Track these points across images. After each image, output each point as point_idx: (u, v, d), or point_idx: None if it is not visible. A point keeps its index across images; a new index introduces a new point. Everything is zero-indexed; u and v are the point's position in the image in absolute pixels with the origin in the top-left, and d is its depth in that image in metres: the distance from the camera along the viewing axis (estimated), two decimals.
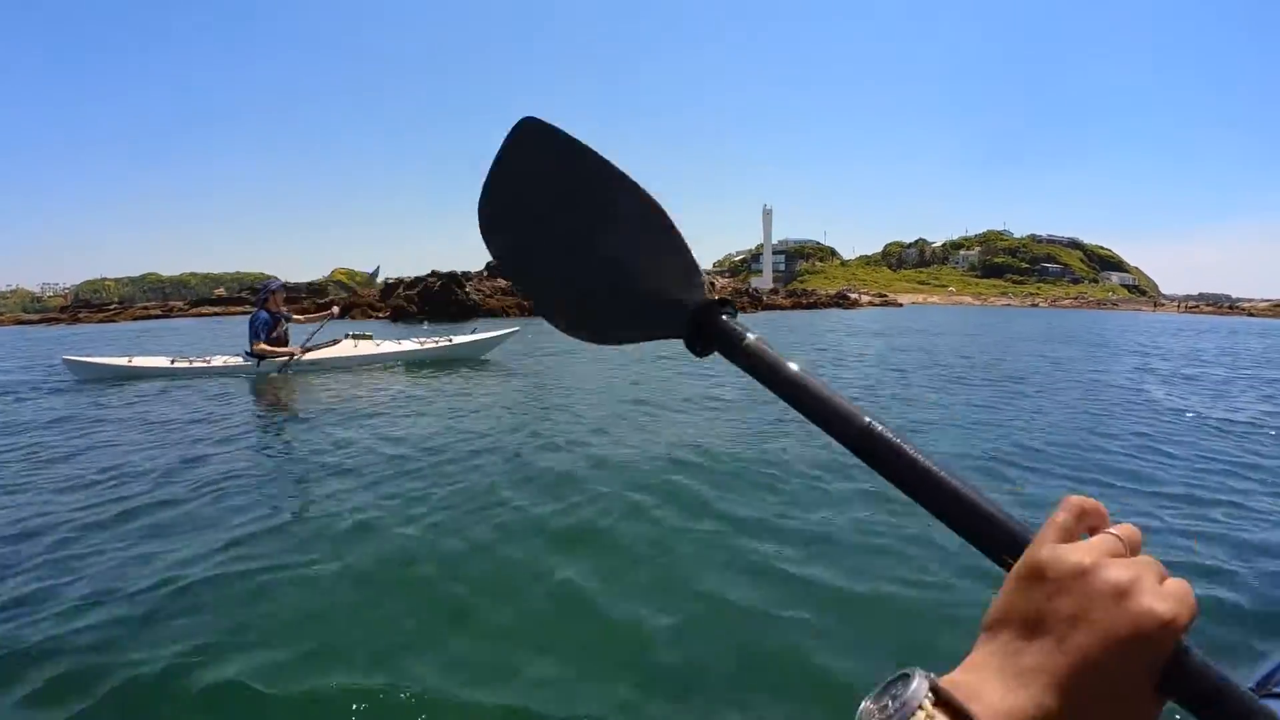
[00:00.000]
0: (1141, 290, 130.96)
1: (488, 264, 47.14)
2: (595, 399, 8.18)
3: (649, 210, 0.69)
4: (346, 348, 10.63)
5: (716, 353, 0.62)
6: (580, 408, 7.53)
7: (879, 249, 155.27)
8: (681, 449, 5.53)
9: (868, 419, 0.52)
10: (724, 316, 0.64)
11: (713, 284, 50.28)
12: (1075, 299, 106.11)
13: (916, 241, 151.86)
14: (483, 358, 11.80)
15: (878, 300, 63.84)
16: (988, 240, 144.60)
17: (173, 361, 10.07)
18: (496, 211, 0.73)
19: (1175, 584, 0.37)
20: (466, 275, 45.16)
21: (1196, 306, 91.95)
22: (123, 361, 9.96)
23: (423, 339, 11.91)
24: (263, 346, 9.85)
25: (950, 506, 0.47)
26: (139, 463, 5.22)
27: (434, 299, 35.22)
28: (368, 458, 5.29)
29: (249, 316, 10.36)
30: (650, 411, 7.35)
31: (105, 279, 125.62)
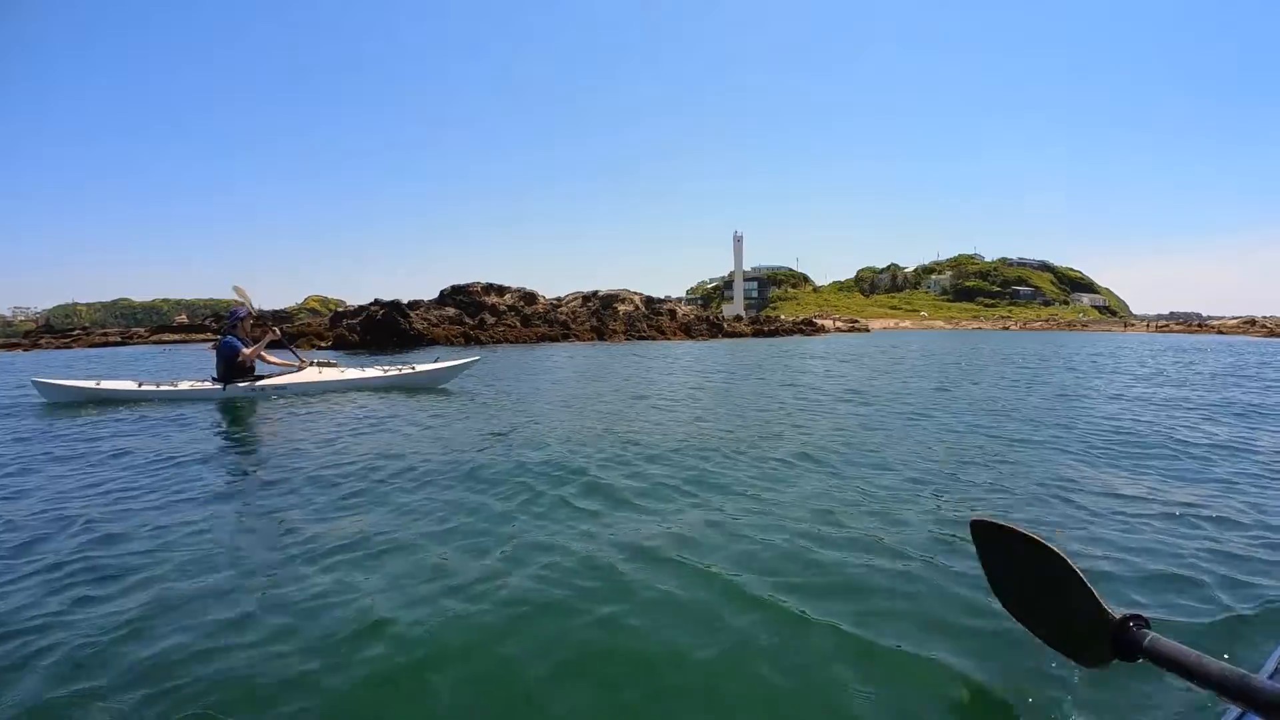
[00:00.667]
0: (1112, 311, 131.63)
1: (442, 291, 46.46)
2: (560, 417, 8.79)
3: (1057, 562, 1.20)
4: (312, 374, 10.99)
5: None
6: (544, 424, 8.13)
7: (852, 275, 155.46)
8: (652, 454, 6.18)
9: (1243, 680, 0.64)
10: (1131, 626, 1.07)
11: (673, 312, 49.16)
12: (1046, 321, 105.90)
13: (889, 267, 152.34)
14: (445, 385, 12.16)
15: (844, 326, 62.49)
16: (959, 264, 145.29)
17: (140, 385, 10.34)
18: (998, 578, 1.45)
19: None
20: (416, 304, 44.13)
21: (1166, 325, 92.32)
22: (91, 384, 10.16)
23: (385, 367, 12.22)
24: (264, 355, 10.72)
25: None
26: (103, 482, 5.32)
27: (377, 328, 34.95)
28: (330, 475, 5.43)
29: (220, 343, 10.55)
30: (611, 419, 8.42)
31: (77, 304, 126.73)
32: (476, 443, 6.87)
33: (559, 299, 55.01)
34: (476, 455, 6.22)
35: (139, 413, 9.02)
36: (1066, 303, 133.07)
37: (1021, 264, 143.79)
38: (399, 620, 2.91)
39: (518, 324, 39.70)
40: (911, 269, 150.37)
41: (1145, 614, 1.36)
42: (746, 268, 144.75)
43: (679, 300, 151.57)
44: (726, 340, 38.85)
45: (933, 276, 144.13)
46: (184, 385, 10.29)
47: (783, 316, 73.77)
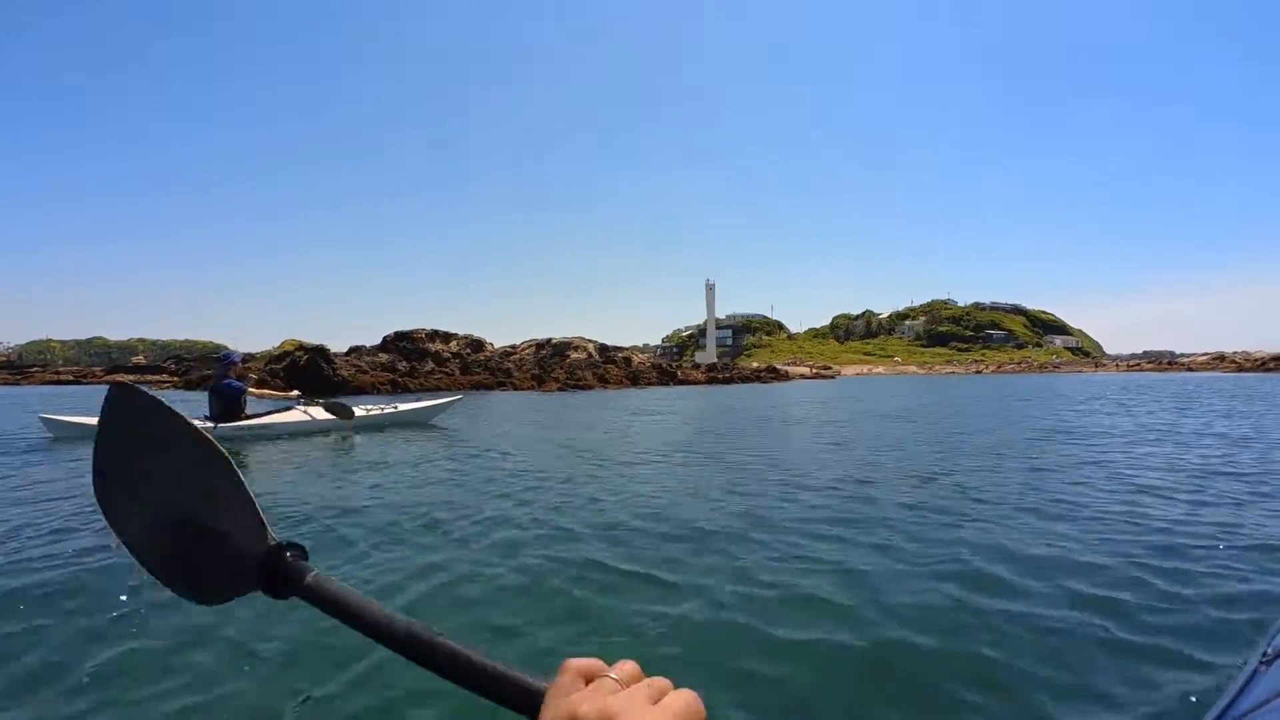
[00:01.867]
0: (1085, 351, 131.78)
1: (385, 337, 44.68)
2: (534, 450, 9.33)
3: (216, 464, 0.79)
4: (297, 414, 11.31)
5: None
6: (519, 457, 8.63)
7: (828, 321, 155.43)
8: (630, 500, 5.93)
9: (406, 625, 0.63)
10: (289, 557, 0.75)
11: (629, 359, 47.46)
12: (1019, 364, 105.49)
13: (863, 313, 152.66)
14: (430, 422, 12.76)
15: (810, 374, 61.04)
16: (932, 309, 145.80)
17: None
18: (109, 486, 0.84)
19: (674, 697, 0.45)
20: (357, 348, 42.19)
21: (1138, 364, 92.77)
22: (93, 421, 8.80)
23: (369, 406, 12.66)
24: (264, 391, 11.49)
25: (462, 671, 0.57)
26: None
27: (301, 374, 33.19)
28: (318, 510, 5.46)
29: (216, 385, 10.72)
30: (591, 460, 8.44)
31: (51, 340, 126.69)
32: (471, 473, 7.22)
33: (513, 346, 53.41)
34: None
35: None
36: (1039, 345, 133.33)
37: (995, 308, 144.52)
38: None
39: (457, 371, 37.75)
40: (885, 315, 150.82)
41: None
42: (721, 315, 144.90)
43: (655, 348, 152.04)
44: (678, 388, 37.02)
45: (906, 322, 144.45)
46: None
47: (754, 364, 72.52)
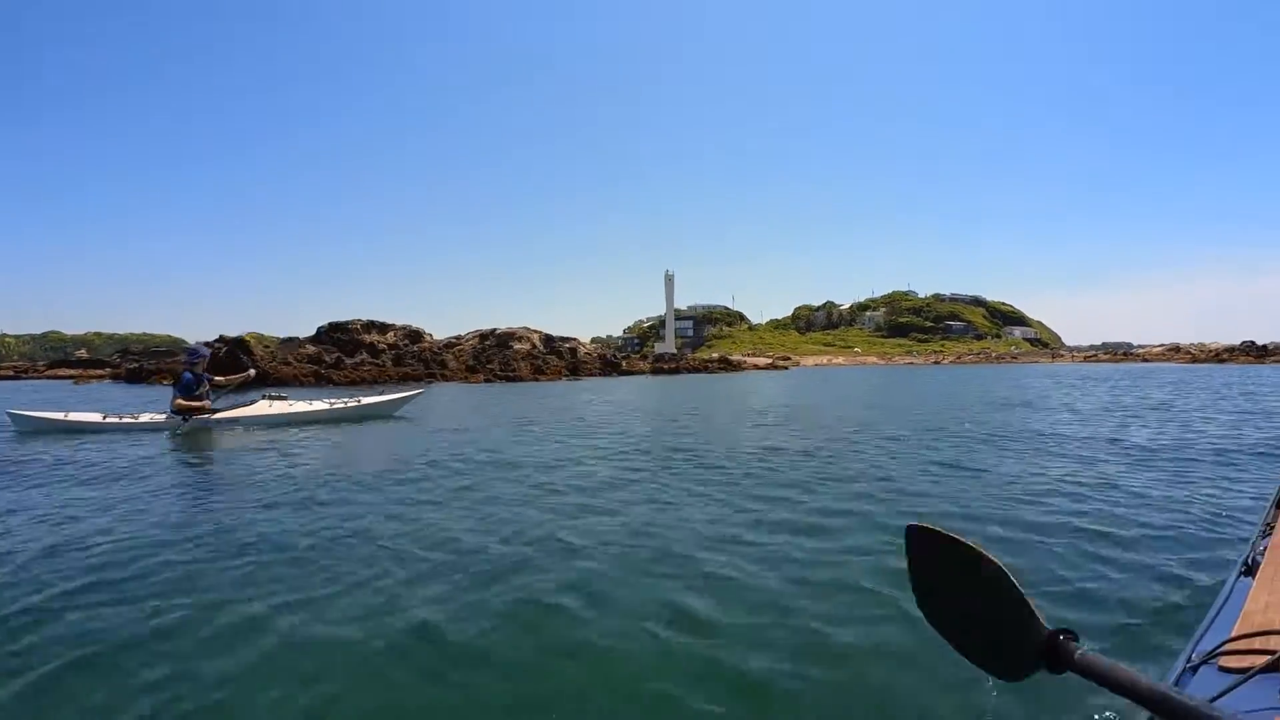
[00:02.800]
0: (1044, 343, 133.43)
1: (320, 328, 42.89)
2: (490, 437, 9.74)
3: (994, 573, 1.06)
4: (262, 407, 11.40)
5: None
6: (481, 444, 8.87)
7: (790, 312, 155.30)
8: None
9: (1164, 692, 0.85)
10: (1062, 639, 1.02)
11: (575, 350, 46.17)
12: (977, 355, 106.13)
13: (825, 304, 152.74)
14: (394, 415, 12.82)
15: (764, 365, 60.24)
16: (893, 300, 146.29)
17: (104, 417, 10.85)
18: (923, 590, 1.17)
19: None
20: (291, 340, 40.33)
21: (1094, 355, 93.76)
22: (60, 416, 10.75)
23: (332, 400, 12.65)
24: (180, 402, 10.74)
25: None
26: (73, 508, 5.39)
27: (220, 367, 31.69)
28: (281, 496, 5.64)
29: (180, 380, 11.00)
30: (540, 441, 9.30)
31: (6, 335, 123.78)
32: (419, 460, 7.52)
33: (458, 337, 51.73)
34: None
35: (102, 441, 9.38)
36: (999, 336, 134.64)
37: (955, 299, 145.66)
38: None
39: (389, 363, 36.14)
40: (847, 306, 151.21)
41: None
42: (683, 306, 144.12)
43: (618, 339, 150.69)
44: (621, 379, 35.84)
45: (867, 313, 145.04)
46: (144, 418, 10.84)
47: (714, 354, 71.73)
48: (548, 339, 48.47)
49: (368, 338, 42.26)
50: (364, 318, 44.13)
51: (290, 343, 41.51)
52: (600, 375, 37.70)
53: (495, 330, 50.19)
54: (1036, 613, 1.03)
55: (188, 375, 10.89)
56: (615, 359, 42.84)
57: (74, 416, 10.77)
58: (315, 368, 32.56)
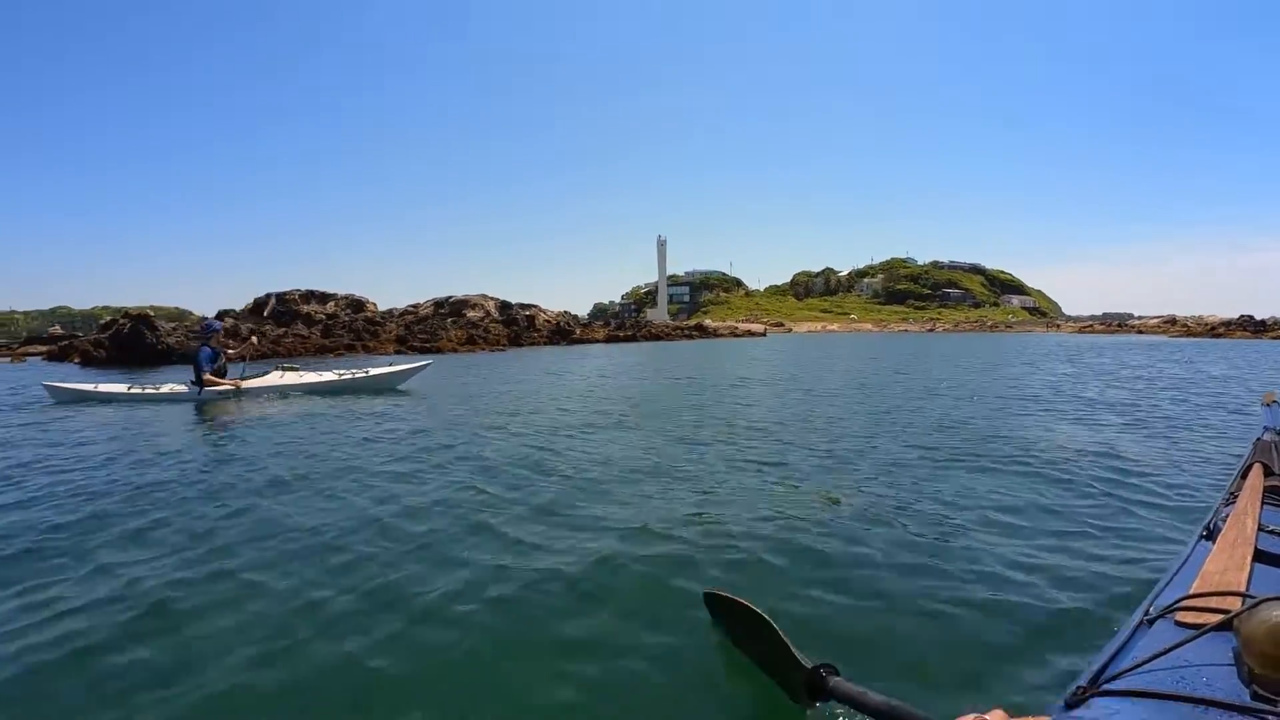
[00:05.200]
0: (1042, 312, 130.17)
1: (256, 300, 40.57)
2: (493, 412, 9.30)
3: (762, 623, 1.62)
4: (275, 378, 11.86)
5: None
6: (475, 417, 8.84)
7: (788, 279, 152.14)
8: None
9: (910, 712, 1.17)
10: (821, 673, 1.37)
11: (531, 320, 43.65)
12: (975, 323, 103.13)
13: (823, 271, 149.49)
14: (399, 387, 12.94)
15: (741, 330, 57.82)
16: (891, 267, 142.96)
17: (130, 388, 11.73)
18: (729, 635, 1.91)
19: None
20: (227, 312, 37.96)
21: (1090, 326, 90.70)
22: (90, 387, 11.84)
23: (340, 371, 13.10)
24: (210, 378, 11.09)
25: None
26: (104, 472, 5.51)
27: (126, 343, 29.67)
28: (300, 468, 5.52)
29: (196, 352, 11.34)
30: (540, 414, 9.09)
31: (15, 311, 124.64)
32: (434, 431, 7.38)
33: (415, 305, 49.26)
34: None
35: (128, 410, 10.16)
36: (996, 304, 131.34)
37: (953, 267, 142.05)
38: None
39: (317, 334, 33.69)
40: (845, 273, 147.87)
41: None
42: (680, 272, 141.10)
43: (616, 304, 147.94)
44: (569, 348, 33.36)
45: (865, 280, 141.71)
46: (165, 389, 11.41)
47: (709, 321, 69.22)
48: (504, 305, 45.94)
49: (305, 308, 39.88)
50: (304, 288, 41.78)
51: (223, 316, 39.22)
52: (548, 344, 35.16)
53: (450, 298, 47.74)
54: (795, 653, 1.34)
55: (206, 349, 11.14)
56: (569, 327, 40.29)
57: (103, 388, 11.77)
58: (235, 342, 30.22)
